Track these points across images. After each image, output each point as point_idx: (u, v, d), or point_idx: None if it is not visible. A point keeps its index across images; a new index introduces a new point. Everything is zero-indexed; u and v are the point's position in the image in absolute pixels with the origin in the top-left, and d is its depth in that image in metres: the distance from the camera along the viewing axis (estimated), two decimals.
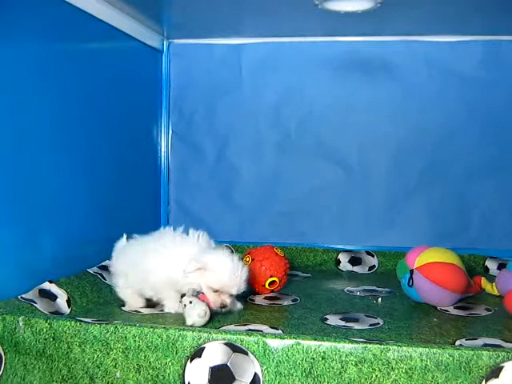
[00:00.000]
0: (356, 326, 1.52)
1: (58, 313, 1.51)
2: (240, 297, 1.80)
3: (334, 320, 1.57)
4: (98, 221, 1.92)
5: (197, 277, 1.54)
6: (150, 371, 1.15)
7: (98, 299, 1.70)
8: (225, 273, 1.53)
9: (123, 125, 2.10)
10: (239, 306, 1.63)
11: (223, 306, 1.53)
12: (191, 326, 1.45)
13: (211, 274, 1.53)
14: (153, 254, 1.61)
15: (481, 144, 2.30)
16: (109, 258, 1.93)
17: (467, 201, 2.33)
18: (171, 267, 1.57)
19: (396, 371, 1.08)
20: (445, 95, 2.32)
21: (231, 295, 1.55)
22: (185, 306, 1.49)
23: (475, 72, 2.29)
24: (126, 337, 1.17)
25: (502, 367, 1.06)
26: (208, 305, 1.51)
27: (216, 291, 1.53)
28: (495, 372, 1.06)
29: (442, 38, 2.29)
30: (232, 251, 1.87)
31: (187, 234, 1.69)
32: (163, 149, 2.47)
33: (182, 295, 1.55)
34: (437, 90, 2.32)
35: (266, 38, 2.37)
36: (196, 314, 1.46)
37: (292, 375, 1.11)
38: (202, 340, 1.15)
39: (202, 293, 1.54)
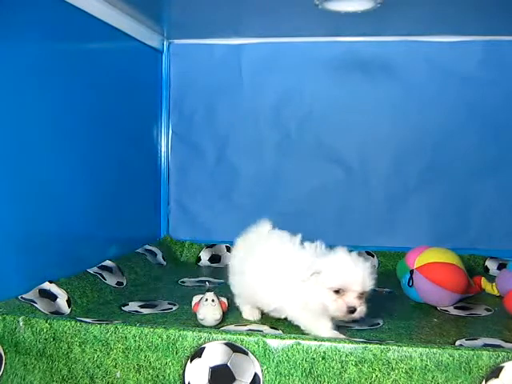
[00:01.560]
0: (356, 326, 1.52)
1: (58, 313, 1.51)
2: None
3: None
4: (98, 221, 1.92)
5: (314, 283, 1.36)
6: (150, 371, 1.15)
7: (98, 299, 1.70)
8: (344, 267, 1.35)
9: (123, 125, 2.10)
10: (364, 308, 1.36)
11: (351, 309, 1.33)
12: (200, 319, 1.47)
13: (328, 272, 1.34)
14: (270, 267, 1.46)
15: (481, 144, 2.30)
16: (109, 257, 1.94)
17: (467, 201, 2.33)
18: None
19: (396, 371, 1.08)
20: (445, 95, 2.32)
21: (359, 296, 1.34)
22: (206, 300, 1.48)
23: (475, 72, 2.29)
24: (126, 337, 1.17)
25: (502, 367, 1.06)
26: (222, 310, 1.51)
27: (337, 291, 1.33)
28: (495, 372, 1.06)
29: (442, 38, 2.29)
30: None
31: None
32: (163, 149, 2.47)
33: (208, 290, 1.51)
34: (437, 90, 2.32)
35: (265, 38, 2.37)
36: (212, 313, 1.47)
37: (292, 375, 1.11)
38: (202, 340, 1.15)
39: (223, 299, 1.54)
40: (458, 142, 2.31)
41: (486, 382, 1.06)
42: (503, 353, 1.07)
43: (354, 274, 1.33)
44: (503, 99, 2.28)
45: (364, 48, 2.33)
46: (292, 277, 1.40)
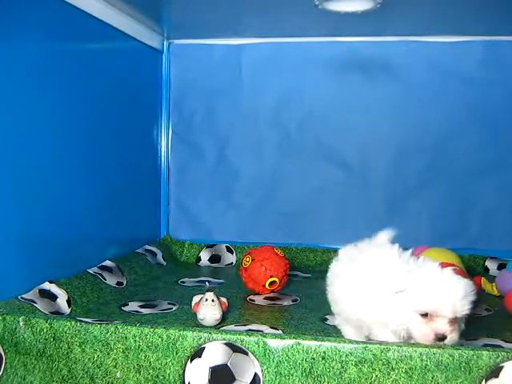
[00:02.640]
0: None
1: (58, 313, 1.51)
2: (240, 298, 1.81)
3: (334, 320, 1.56)
4: (98, 221, 1.92)
5: (399, 302, 1.17)
6: (151, 371, 1.15)
7: (98, 299, 1.71)
8: (433, 287, 1.14)
9: (123, 125, 2.10)
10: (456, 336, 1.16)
11: (441, 337, 1.13)
12: (200, 319, 1.47)
13: (415, 293, 1.15)
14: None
15: (480, 144, 2.30)
16: (109, 257, 1.94)
17: (467, 201, 2.33)
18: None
19: (396, 371, 1.08)
20: (445, 95, 2.32)
21: (450, 322, 1.14)
22: (206, 300, 1.48)
23: (475, 72, 2.29)
24: (126, 337, 1.17)
25: (502, 367, 1.07)
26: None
27: (425, 315, 1.14)
28: (495, 372, 1.07)
29: (441, 38, 2.29)
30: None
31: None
32: (163, 149, 2.47)
33: (208, 290, 1.50)
34: (437, 90, 2.32)
35: (265, 38, 2.37)
36: (212, 313, 1.47)
37: (292, 375, 1.11)
38: (202, 340, 1.15)
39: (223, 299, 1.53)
40: (458, 142, 2.31)
41: (485, 381, 1.06)
42: (503, 353, 1.07)
43: (445, 296, 1.13)
44: (503, 99, 2.28)
45: (364, 48, 2.33)
46: (376, 291, 1.21)
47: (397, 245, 1.34)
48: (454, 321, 1.14)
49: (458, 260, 1.75)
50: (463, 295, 1.13)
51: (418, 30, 2.23)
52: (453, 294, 1.13)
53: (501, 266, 2.17)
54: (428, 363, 1.08)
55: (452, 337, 1.14)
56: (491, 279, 1.89)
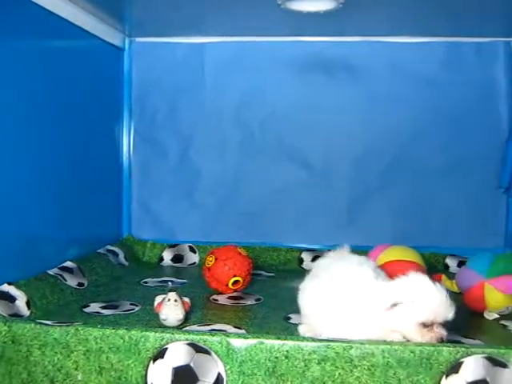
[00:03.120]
0: None
1: (17, 315, 1.48)
2: (203, 297, 1.80)
3: (297, 319, 1.56)
4: (58, 221, 1.89)
5: (397, 315, 1.22)
6: (112, 373, 1.14)
7: (59, 301, 1.68)
8: (433, 298, 1.23)
9: (84, 123, 2.07)
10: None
11: (441, 341, 1.21)
12: (163, 319, 1.45)
13: (418, 305, 1.21)
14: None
15: (442, 145, 2.33)
16: (69, 258, 1.91)
17: (428, 200, 2.36)
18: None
19: (359, 368, 1.10)
20: (407, 96, 2.34)
21: (443, 325, 1.24)
22: (168, 300, 1.47)
23: (437, 73, 2.32)
24: (87, 339, 1.15)
25: (462, 362, 1.09)
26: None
27: (428, 324, 1.22)
28: (455, 367, 1.08)
29: (404, 38, 2.31)
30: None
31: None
32: (125, 148, 2.44)
33: (170, 290, 1.49)
34: (399, 90, 2.34)
35: (228, 37, 2.36)
36: (175, 313, 1.46)
37: (255, 374, 1.11)
38: (164, 341, 1.14)
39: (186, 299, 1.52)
40: (420, 142, 2.34)
41: (446, 377, 1.08)
42: (463, 348, 1.09)
43: (442, 304, 1.23)
44: (464, 100, 2.31)
45: (327, 48, 2.34)
46: (367, 306, 1.25)
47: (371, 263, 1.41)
48: (444, 325, 1.23)
49: (419, 258, 1.78)
50: (450, 301, 1.24)
51: (381, 30, 2.25)
52: (447, 301, 1.23)
53: (460, 264, 2.20)
54: (390, 360, 1.09)
55: (446, 336, 1.22)
56: (451, 276, 1.92)
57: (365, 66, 2.34)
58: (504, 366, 1.08)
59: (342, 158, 2.37)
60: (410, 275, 1.27)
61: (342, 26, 2.16)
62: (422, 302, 1.22)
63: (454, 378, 1.08)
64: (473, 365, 1.08)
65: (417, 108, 2.33)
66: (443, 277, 1.93)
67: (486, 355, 1.09)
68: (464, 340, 1.41)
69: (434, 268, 2.16)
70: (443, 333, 1.21)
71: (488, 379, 1.08)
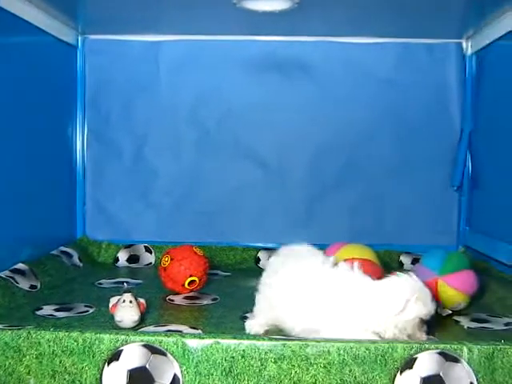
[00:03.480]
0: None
1: None
2: (159, 298, 1.78)
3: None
4: (9, 222, 1.84)
5: (404, 313, 1.29)
6: (66, 377, 1.12)
7: (10, 304, 1.63)
8: (428, 297, 1.33)
9: (35, 122, 2.02)
10: None
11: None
12: (118, 321, 1.43)
13: (420, 302, 1.31)
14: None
15: (396, 144, 2.37)
16: (21, 260, 1.86)
17: (383, 199, 2.39)
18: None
19: (315, 366, 1.10)
20: (361, 96, 2.37)
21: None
22: (123, 301, 1.45)
23: (390, 74, 2.35)
24: (39, 342, 1.13)
25: (416, 358, 1.10)
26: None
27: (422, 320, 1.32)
28: (409, 363, 1.10)
29: (358, 39, 2.34)
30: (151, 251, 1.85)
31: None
32: (79, 147, 2.40)
33: (125, 291, 1.46)
34: (354, 90, 2.37)
35: (184, 35, 2.35)
36: (130, 315, 1.44)
37: (212, 375, 1.11)
38: (119, 342, 1.12)
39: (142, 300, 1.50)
40: (375, 141, 2.37)
41: (400, 373, 1.09)
42: (416, 344, 1.11)
43: (431, 300, 1.33)
44: (417, 101, 2.35)
45: (282, 47, 2.35)
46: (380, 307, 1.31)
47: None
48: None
49: (374, 255, 1.79)
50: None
51: (336, 30, 2.26)
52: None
53: (414, 261, 2.24)
54: (345, 357, 1.10)
55: None
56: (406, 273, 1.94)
57: (320, 66, 2.36)
58: (456, 360, 1.10)
59: (298, 157, 2.38)
60: (400, 275, 1.38)
61: (297, 25, 2.17)
62: (424, 299, 1.31)
63: (408, 373, 1.09)
64: (426, 360, 1.10)
65: (371, 108, 2.36)
66: (398, 274, 1.95)
67: (439, 351, 1.11)
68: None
69: (388, 265, 2.18)
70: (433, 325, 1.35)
71: (441, 374, 1.09)
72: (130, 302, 1.45)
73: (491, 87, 2.15)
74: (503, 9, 1.89)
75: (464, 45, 2.33)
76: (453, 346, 1.11)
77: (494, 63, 2.12)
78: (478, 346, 1.11)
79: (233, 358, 1.10)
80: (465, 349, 1.11)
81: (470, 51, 2.31)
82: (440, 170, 2.37)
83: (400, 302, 1.29)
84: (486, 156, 2.18)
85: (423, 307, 1.30)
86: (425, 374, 1.09)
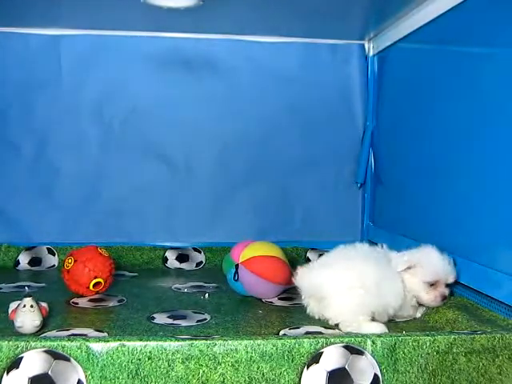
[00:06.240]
0: (183, 323, 1.52)
1: None
2: (62, 301, 1.73)
3: (161, 318, 1.55)
4: None
5: (409, 277, 1.53)
6: None
7: None
8: (438, 262, 1.53)
9: None
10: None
11: (444, 297, 1.54)
12: (18, 327, 1.37)
13: (424, 268, 1.52)
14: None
15: (301, 142, 2.41)
16: None
17: (290, 196, 2.42)
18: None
19: (223, 365, 1.10)
20: (267, 94, 2.38)
21: (447, 285, 1.55)
22: (24, 306, 1.38)
23: (295, 72, 2.38)
24: None
25: (322, 353, 1.12)
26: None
27: (432, 285, 1.53)
28: (315, 358, 1.12)
29: (263, 38, 2.35)
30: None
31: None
32: None
33: (26, 295, 1.40)
34: (259, 88, 2.38)
35: (87, 30, 2.27)
36: (31, 320, 1.38)
37: (118, 378, 1.08)
38: (19, 349, 1.07)
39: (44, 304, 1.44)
40: (280, 139, 2.40)
41: (307, 368, 1.11)
42: (322, 339, 1.13)
43: (445, 267, 1.53)
44: (321, 99, 2.40)
45: (188, 45, 2.33)
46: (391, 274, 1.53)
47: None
48: (448, 285, 1.55)
49: (281, 252, 1.82)
50: (453, 265, 1.56)
51: (241, 28, 2.27)
52: (450, 265, 1.54)
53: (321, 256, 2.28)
54: (253, 355, 1.10)
55: (448, 293, 1.55)
56: None
57: (226, 64, 2.36)
58: (361, 353, 1.13)
59: (205, 155, 2.38)
60: (421, 247, 1.59)
61: (203, 23, 2.16)
62: (429, 264, 1.52)
63: (314, 368, 1.11)
64: (332, 354, 1.12)
65: (276, 106, 2.38)
66: None
67: (344, 344, 1.13)
68: (324, 331, 1.46)
69: (296, 262, 2.20)
70: (446, 292, 1.53)
71: (347, 367, 1.12)
72: (31, 306, 1.39)
73: (392, 87, 2.22)
74: (402, 12, 1.96)
75: (366, 46, 2.39)
76: (357, 339, 1.14)
77: (395, 64, 2.19)
78: (381, 338, 1.14)
79: (139, 360, 1.08)
80: (368, 341, 1.14)
81: (372, 52, 2.37)
82: (344, 167, 2.43)
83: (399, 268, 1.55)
84: (388, 153, 2.25)
85: (428, 273, 1.53)
86: (330, 368, 1.11)
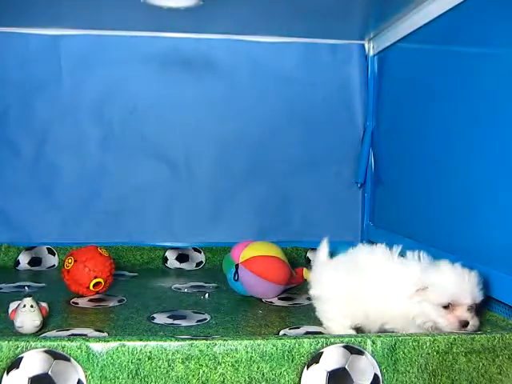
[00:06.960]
0: (183, 323, 1.52)
1: None
2: (62, 301, 1.73)
3: (161, 318, 1.55)
4: None
5: (420, 299, 1.30)
6: None
7: None
8: (451, 281, 1.29)
9: None
10: (476, 321, 1.30)
11: (464, 324, 1.27)
12: (18, 327, 1.38)
13: (434, 288, 1.28)
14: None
15: (301, 142, 2.41)
16: None
17: (290, 196, 2.42)
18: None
19: (223, 365, 1.10)
20: (267, 94, 2.39)
21: (469, 308, 1.28)
22: (24, 306, 1.38)
23: (296, 73, 2.39)
24: None
25: (322, 352, 1.12)
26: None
27: (447, 307, 1.28)
28: (316, 358, 1.11)
29: (263, 38, 2.36)
30: None
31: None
32: None
33: (26, 295, 1.40)
34: (259, 88, 2.38)
35: (86, 30, 2.27)
36: (31, 320, 1.38)
37: (118, 378, 1.08)
38: (19, 349, 1.07)
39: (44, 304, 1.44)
40: (280, 139, 2.40)
41: (307, 368, 1.11)
42: (322, 339, 1.13)
43: (462, 286, 1.28)
44: (321, 99, 2.40)
45: (188, 45, 2.33)
46: (397, 293, 1.32)
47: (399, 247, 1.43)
48: (471, 308, 1.28)
49: (281, 252, 1.82)
50: (476, 283, 1.29)
51: (241, 28, 2.27)
52: (468, 284, 1.28)
53: None
54: (253, 355, 1.10)
55: (474, 321, 1.28)
56: None
57: (226, 64, 2.36)
58: (361, 353, 1.13)
59: (205, 155, 2.38)
60: (436, 262, 1.35)
61: (203, 23, 2.16)
62: (440, 285, 1.28)
63: (314, 368, 1.11)
64: (332, 354, 1.12)
65: (276, 106, 2.38)
66: (305, 270, 1.99)
67: (344, 344, 1.13)
68: (324, 331, 1.46)
69: (296, 262, 2.22)
70: (466, 315, 1.27)
71: (347, 367, 1.12)
72: (31, 306, 1.39)
73: (392, 87, 2.22)
74: (402, 12, 1.96)
75: (366, 46, 2.40)
76: (357, 339, 1.14)
77: (394, 64, 2.19)
78: (381, 338, 1.14)
79: (139, 360, 1.08)
80: (368, 341, 1.14)
81: (372, 52, 2.37)
82: (344, 167, 2.43)
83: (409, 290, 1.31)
84: (387, 153, 2.25)
85: (440, 294, 1.30)
86: (331, 368, 1.11)
